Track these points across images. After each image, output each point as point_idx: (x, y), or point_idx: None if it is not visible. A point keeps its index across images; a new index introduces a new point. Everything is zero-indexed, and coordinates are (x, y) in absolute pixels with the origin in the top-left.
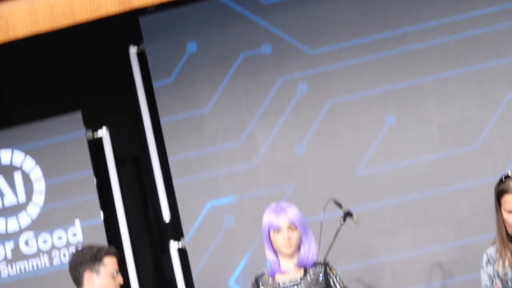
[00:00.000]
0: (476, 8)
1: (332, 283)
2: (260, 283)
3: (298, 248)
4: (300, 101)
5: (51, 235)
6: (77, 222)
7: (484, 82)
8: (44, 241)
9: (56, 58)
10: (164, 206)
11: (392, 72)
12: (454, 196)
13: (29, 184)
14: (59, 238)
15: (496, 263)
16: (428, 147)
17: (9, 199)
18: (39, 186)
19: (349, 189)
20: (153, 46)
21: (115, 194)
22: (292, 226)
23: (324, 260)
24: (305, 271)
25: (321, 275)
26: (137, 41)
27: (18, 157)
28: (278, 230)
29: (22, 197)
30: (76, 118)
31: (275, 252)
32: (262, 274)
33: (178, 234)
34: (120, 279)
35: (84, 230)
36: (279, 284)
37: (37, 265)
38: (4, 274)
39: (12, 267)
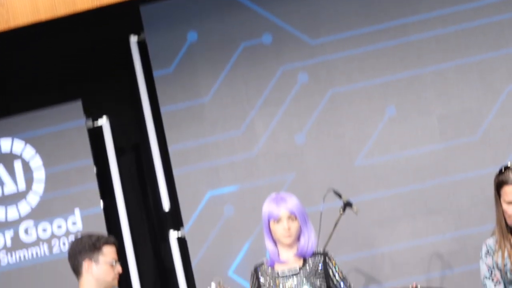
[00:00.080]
0: None
1: (331, 273)
2: (259, 273)
3: (298, 238)
4: (300, 90)
5: (51, 223)
6: (76, 211)
7: (484, 73)
8: (44, 230)
9: (57, 47)
10: (164, 195)
11: (393, 62)
12: (454, 186)
13: (29, 172)
14: (59, 226)
15: (496, 254)
16: (428, 138)
17: (9, 188)
18: (39, 174)
19: (349, 179)
20: (153, 35)
21: (115, 183)
22: (292, 216)
23: (324, 250)
24: (304, 261)
25: (320, 265)
26: (138, 30)
27: (18, 146)
28: (278, 220)
29: (22, 185)
30: (76, 106)
31: (275, 242)
32: (261, 264)
33: (177, 224)
34: (119, 268)
35: (83, 219)
36: (278, 273)
37: (36, 253)
38: (4, 262)
39: (11, 256)
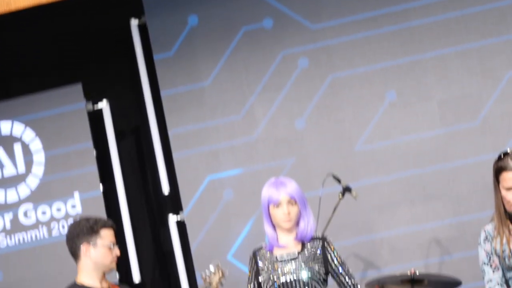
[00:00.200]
0: None
1: (329, 258)
2: (258, 257)
3: (297, 222)
4: (301, 75)
5: (50, 206)
6: (76, 194)
7: (485, 59)
8: (43, 213)
9: (57, 30)
10: (164, 179)
11: (393, 47)
12: (454, 172)
13: (28, 155)
14: (58, 209)
15: (494, 240)
16: (428, 123)
17: (9, 170)
18: (39, 157)
19: (348, 164)
20: (154, 19)
21: (114, 166)
22: (292, 201)
23: (322, 235)
24: (303, 246)
25: (318, 249)
26: (138, 14)
27: (18, 128)
28: (277, 204)
29: (21, 168)
30: (76, 90)
31: (274, 226)
32: (260, 248)
33: (177, 207)
34: (117, 251)
35: (83, 202)
36: (276, 258)
37: (36, 236)
38: (3, 245)
39: (11, 238)
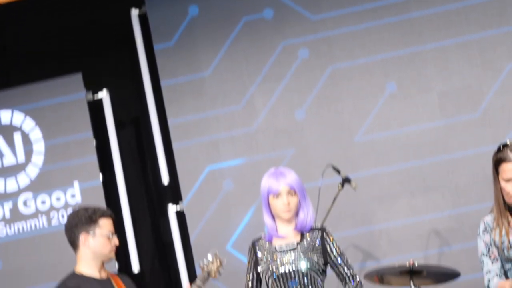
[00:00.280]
0: None
1: (328, 249)
2: (257, 247)
3: (296, 213)
4: (301, 66)
5: (50, 196)
6: (76, 184)
7: (485, 51)
8: (43, 202)
9: (58, 19)
10: (163, 169)
11: (394, 39)
12: (453, 164)
13: (28, 144)
14: (58, 199)
15: (493, 231)
16: (428, 115)
17: (9, 159)
18: (39, 146)
19: (348, 155)
20: (154, 8)
21: (114, 156)
22: (291, 191)
23: (321, 225)
24: (302, 236)
25: (317, 240)
26: (139, 4)
27: (18, 118)
28: (277, 195)
29: (21, 157)
30: (76, 79)
31: (273, 217)
32: (259, 238)
33: (176, 197)
34: (115, 241)
35: (82, 191)
36: (275, 248)
37: (35, 225)
38: (2, 234)
39: (10, 227)
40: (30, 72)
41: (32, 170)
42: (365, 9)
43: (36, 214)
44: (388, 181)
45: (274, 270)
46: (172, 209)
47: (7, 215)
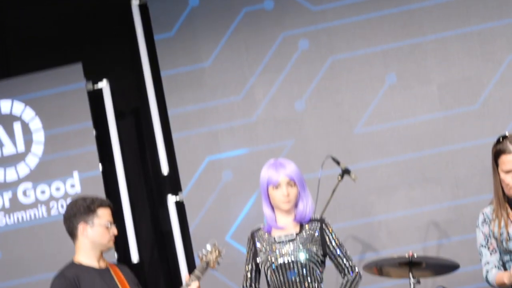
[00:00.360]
0: None
1: (327, 240)
2: (256, 238)
3: (296, 204)
4: (301, 57)
5: (49, 186)
6: (75, 174)
7: (485, 43)
8: (42, 192)
9: (58, 9)
10: (163, 159)
11: (394, 30)
12: (453, 155)
13: (28, 134)
14: (57, 189)
15: (492, 223)
16: (427, 106)
17: (8, 149)
18: (38, 136)
19: (347, 146)
20: None
21: (114, 146)
22: (291, 182)
23: (321, 217)
24: (301, 227)
25: (317, 231)
26: None
27: (18, 107)
28: (277, 186)
29: (21, 147)
30: (76, 69)
31: (272, 208)
32: (258, 229)
33: (176, 188)
34: (114, 230)
35: (82, 181)
36: (274, 239)
37: (34, 215)
38: (2, 223)
39: (9, 217)
40: (30, 62)
41: (32, 160)
42: (365, 0)
43: (35, 204)
44: (388, 173)
45: (273, 260)
46: (171, 199)
47: (7, 204)
